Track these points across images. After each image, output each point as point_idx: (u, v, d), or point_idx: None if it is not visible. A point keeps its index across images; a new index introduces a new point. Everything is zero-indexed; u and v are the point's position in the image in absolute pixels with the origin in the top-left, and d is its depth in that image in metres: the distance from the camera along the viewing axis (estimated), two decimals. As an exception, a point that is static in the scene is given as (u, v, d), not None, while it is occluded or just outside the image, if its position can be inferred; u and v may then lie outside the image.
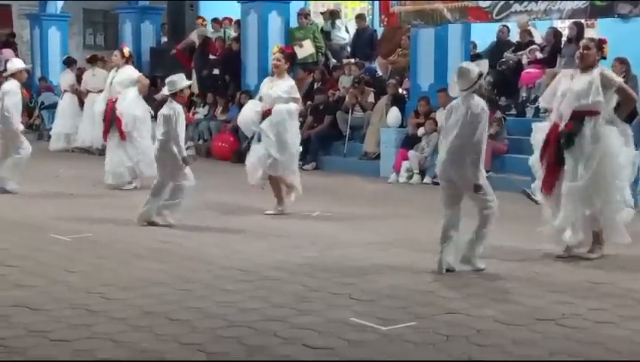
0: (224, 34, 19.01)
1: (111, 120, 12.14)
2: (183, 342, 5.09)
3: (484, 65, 7.42)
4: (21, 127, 11.72)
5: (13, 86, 11.62)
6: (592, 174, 7.40)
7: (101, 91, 13.60)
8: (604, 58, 7.92)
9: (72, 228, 8.82)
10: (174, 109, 9.10)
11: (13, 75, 11.71)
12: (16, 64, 11.98)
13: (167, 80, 9.42)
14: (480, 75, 7.06)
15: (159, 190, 9.18)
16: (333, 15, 18.39)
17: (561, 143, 7.50)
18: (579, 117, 7.45)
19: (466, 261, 7.07)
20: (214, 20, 19.51)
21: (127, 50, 12.80)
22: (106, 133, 12.25)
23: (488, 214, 7.05)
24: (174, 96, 9.18)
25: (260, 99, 10.09)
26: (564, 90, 7.57)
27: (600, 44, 7.77)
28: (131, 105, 12.10)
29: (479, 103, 7.02)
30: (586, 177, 7.40)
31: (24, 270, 6.93)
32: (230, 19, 19.30)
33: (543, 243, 7.76)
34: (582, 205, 7.44)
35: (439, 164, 7.20)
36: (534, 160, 7.89)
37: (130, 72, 12.47)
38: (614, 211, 7.54)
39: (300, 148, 10.45)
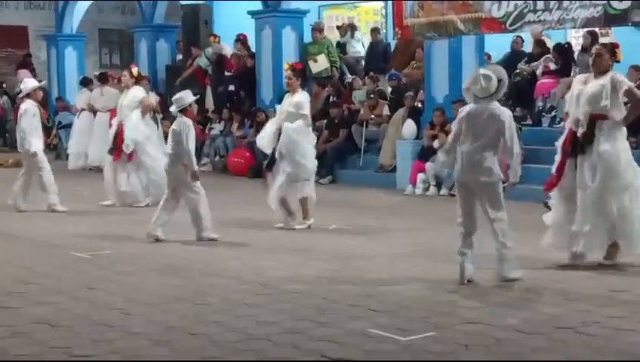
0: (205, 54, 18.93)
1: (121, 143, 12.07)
2: (203, 356, 5.12)
3: (499, 70, 7.15)
4: (38, 148, 11.60)
5: (29, 106, 11.61)
6: (600, 185, 7.33)
7: (109, 111, 13.57)
8: (618, 61, 7.89)
9: (92, 245, 8.88)
10: (184, 124, 9.23)
11: (28, 95, 11.72)
12: (29, 84, 11.97)
13: (174, 98, 9.54)
14: (499, 82, 6.93)
15: (169, 204, 9.27)
16: (352, 28, 18.52)
17: (578, 150, 7.45)
18: (592, 121, 7.41)
19: (499, 276, 7.03)
20: (193, 45, 19.38)
21: (135, 70, 12.69)
22: (117, 154, 12.10)
23: (500, 228, 6.99)
24: (184, 111, 9.31)
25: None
26: (577, 93, 7.54)
27: (612, 48, 7.75)
28: (132, 129, 12.03)
29: (501, 107, 7.01)
30: (594, 187, 7.34)
31: (45, 287, 6.98)
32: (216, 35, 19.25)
33: (549, 248, 7.74)
34: (595, 215, 7.41)
35: (459, 170, 7.09)
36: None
37: (135, 92, 12.37)
38: (630, 223, 7.42)
39: (316, 164, 10.43)
